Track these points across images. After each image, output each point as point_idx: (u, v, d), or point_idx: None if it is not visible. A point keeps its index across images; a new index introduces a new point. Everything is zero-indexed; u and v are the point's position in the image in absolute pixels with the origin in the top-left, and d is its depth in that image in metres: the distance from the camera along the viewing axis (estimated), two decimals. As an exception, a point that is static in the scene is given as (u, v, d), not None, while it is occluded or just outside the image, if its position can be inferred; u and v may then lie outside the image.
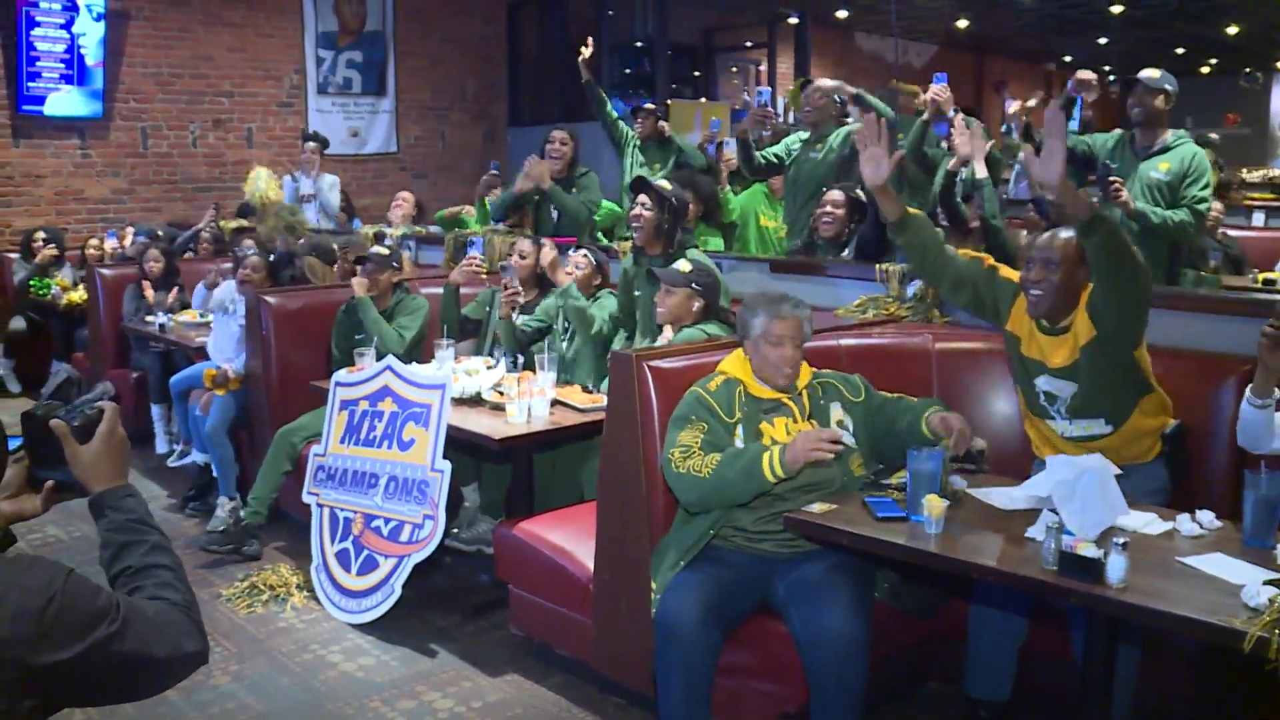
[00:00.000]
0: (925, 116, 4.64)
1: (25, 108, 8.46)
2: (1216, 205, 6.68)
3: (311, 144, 7.85)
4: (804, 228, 5.11)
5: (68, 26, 8.52)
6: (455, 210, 7.17)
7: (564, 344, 4.59)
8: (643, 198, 4.28)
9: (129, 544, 1.64)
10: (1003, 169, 5.33)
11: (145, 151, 9.29)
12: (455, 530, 4.52)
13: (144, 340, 6.35)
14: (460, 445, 4.11)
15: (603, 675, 3.44)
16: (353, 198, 8.47)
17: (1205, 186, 4.32)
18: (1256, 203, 8.49)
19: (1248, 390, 2.73)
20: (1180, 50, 17.45)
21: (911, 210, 3.25)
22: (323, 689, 3.60)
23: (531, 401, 3.95)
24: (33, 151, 8.69)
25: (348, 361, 4.69)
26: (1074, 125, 4.68)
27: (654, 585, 3.03)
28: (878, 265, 4.25)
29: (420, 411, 4.11)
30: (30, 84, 8.42)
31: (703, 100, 11.87)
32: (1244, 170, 10.52)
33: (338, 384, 4.45)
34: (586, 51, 6.16)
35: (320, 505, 4.37)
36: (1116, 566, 2.21)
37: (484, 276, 5.14)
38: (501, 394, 4.12)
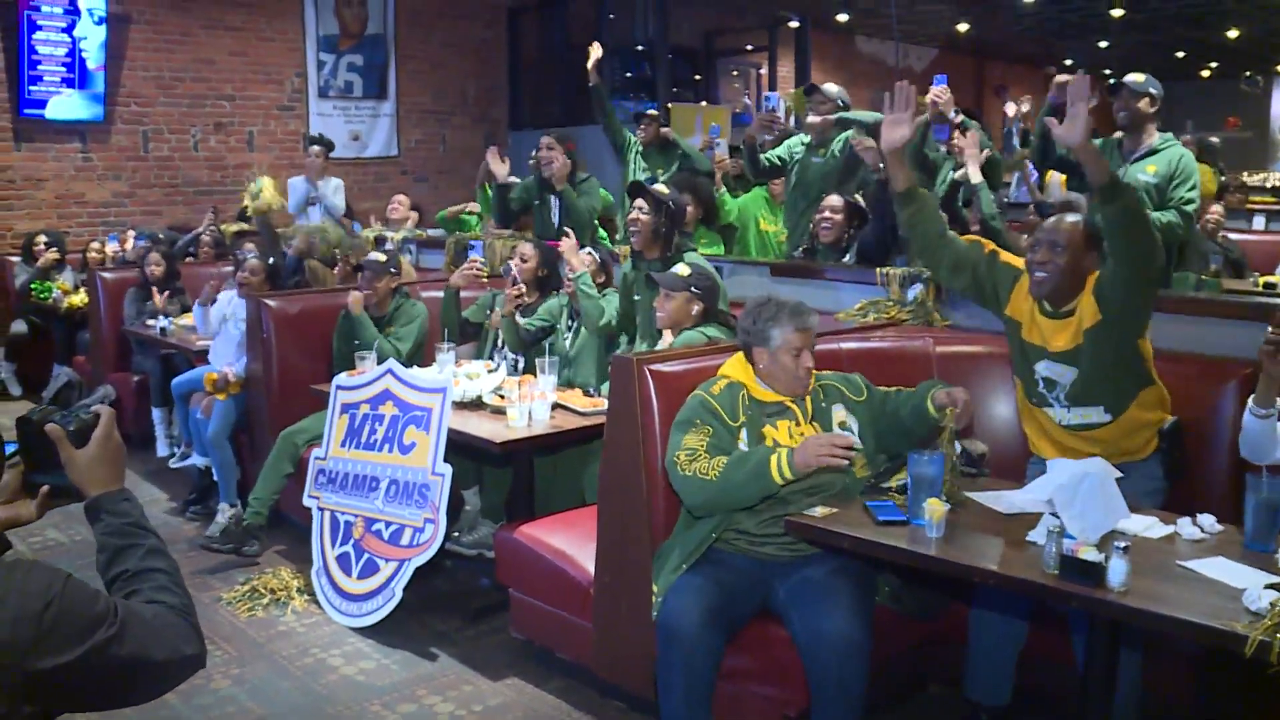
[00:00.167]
0: (926, 118, 4.65)
1: (27, 111, 8.48)
2: (1217, 208, 6.71)
3: (317, 147, 7.86)
4: (804, 233, 5.12)
5: (69, 30, 8.53)
6: (457, 209, 7.17)
7: (567, 341, 4.59)
8: (640, 202, 4.28)
9: (125, 548, 1.64)
10: (1003, 172, 5.33)
11: (146, 155, 9.31)
12: (456, 534, 4.52)
13: (145, 344, 6.35)
14: (461, 449, 4.11)
15: (603, 679, 3.44)
16: (353, 201, 8.47)
17: (1192, 188, 4.34)
18: (1257, 206, 8.50)
19: (1250, 400, 2.72)
20: (1181, 54, 17.48)
21: (920, 188, 3.25)
22: (323, 693, 3.60)
23: (532, 405, 3.95)
24: (34, 155, 8.70)
25: (348, 364, 4.69)
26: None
27: (655, 588, 3.03)
28: (878, 269, 4.25)
29: (421, 415, 4.11)
30: (32, 87, 8.44)
31: (703, 103, 11.87)
32: (1245, 174, 10.52)
33: (338, 387, 4.45)
34: (595, 54, 6.14)
35: (321, 509, 4.37)
36: (1117, 570, 2.21)
37: (484, 280, 5.14)
38: (502, 397, 4.13)
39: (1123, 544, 2.24)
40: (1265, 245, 7.23)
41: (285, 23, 10.03)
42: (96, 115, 8.86)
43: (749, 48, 14.90)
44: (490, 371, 4.43)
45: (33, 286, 7.81)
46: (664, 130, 6.33)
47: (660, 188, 4.36)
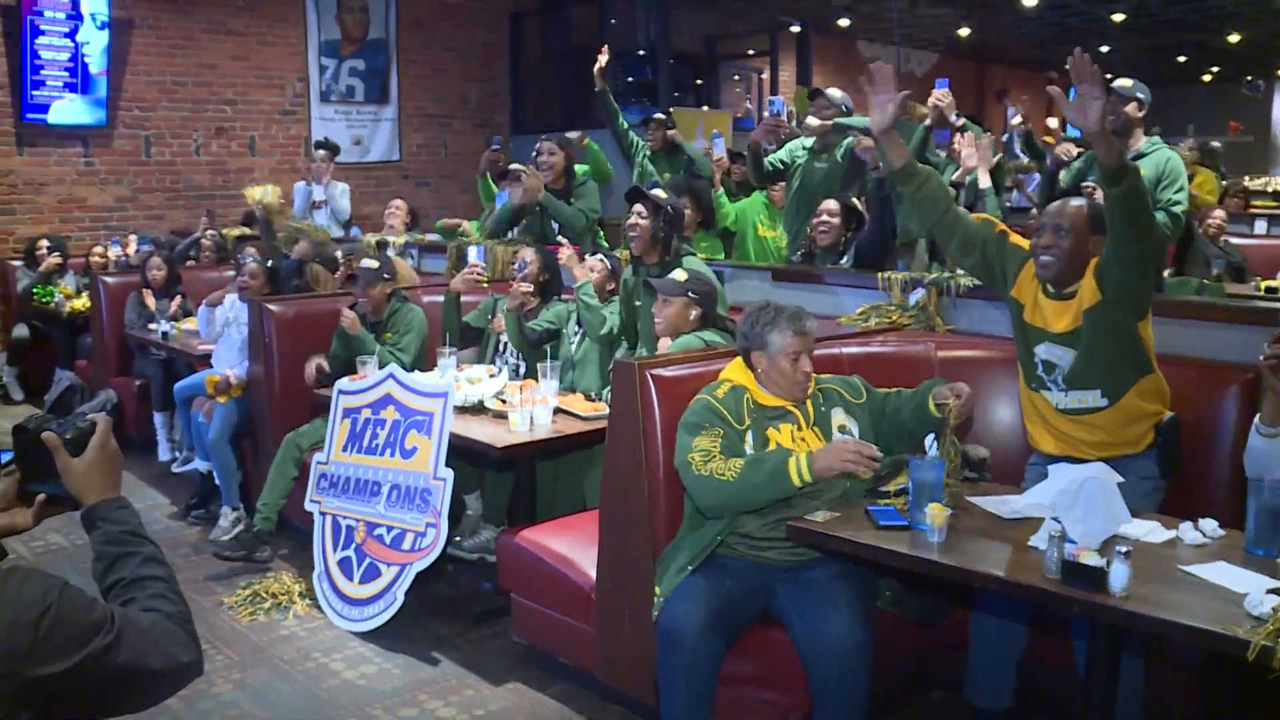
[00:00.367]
0: (928, 122, 4.65)
1: (29, 116, 8.49)
2: (1219, 213, 6.71)
3: (322, 151, 7.87)
4: (806, 237, 5.13)
5: (72, 35, 8.55)
6: (454, 223, 7.17)
7: (573, 346, 4.59)
8: (638, 207, 4.28)
9: (122, 556, 1.63)
10: (1006, 176, 5.34)
11: (148, 159, 9.32)
12: (457, 538, 4.52)
13: (146, 348, 6.35)
14: (462, 453, 4.11)
15: (605, 684, 3.43)
16: (355, 206, 8.47)
17: (1180, 189, 4.41)
18: (1259, 211, 8.50)
19: (1256, 419, 2.71)
20: (1182, 58, 17.48)
21: (919, 164, 3.23)
22: (325, 697, 3.60)
23: (534, 410, 3.95)
24: (36, 159, 8.71)
25: (346, 369, 4.70)
26: (1075, 132, 4.72)
27: (658, 590, 3.03)
28: (880, 274, 4.25)
29: (423, 419, 4.11)
30: (34, 92, 8.45)
31: (705, 108, 11.87)
32: (1246, 178, 10.52)
33: (340, 392, 4.46)
34: (602, 60, 6.13)
35: (323, 513, 4.37)
36: (1119, 575, 2.21)
37: (485, 285, 5.14)
38: (504, 402, 4.13)
39: (1124, 549, 2.23)
40: (1267, 249, 7.23)
41: (287, 27, 10.05)
42: (99, 120, 8.87)
43: (750, 52, 14.90)
44: (492, 376, 4.43)
45: (35, 291, 7.82)
46: (670, 132, 6.33)
47: (658, 192, 4.36)
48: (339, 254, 5.94)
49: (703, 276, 3.99)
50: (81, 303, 7.49)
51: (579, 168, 5.88)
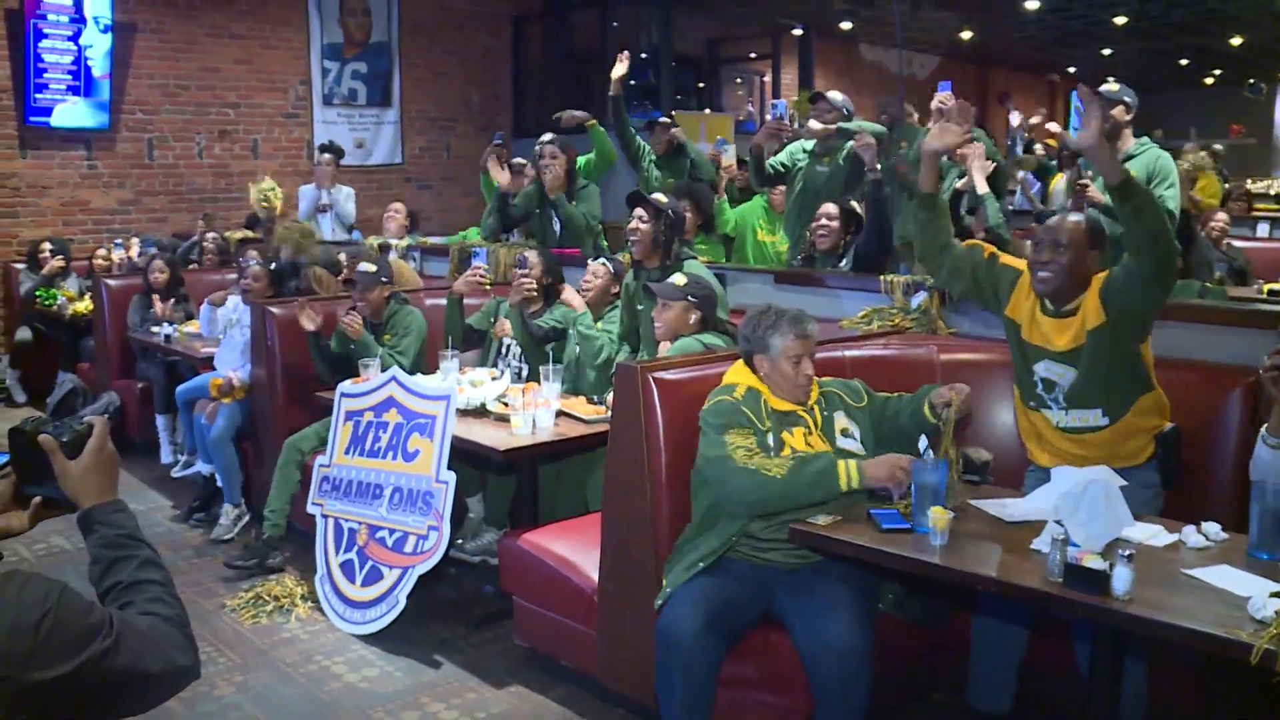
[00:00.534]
0: (931, 125, 4.65)
1: (32, 119, 8.50)
2: (1221, 216, 6.71)
3: (327, 155, 7.87)
4: (805, 241, 5.14)
5: (75, 39, 8.56)
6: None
7: (576, 348, 4.59)
8: (639, 211, 4.29)
9: (119, 559, 1.63)
10: (1008, 179, 5.34)
11: (151, 163, 9.33)
12: (460, 541, 4.52)
13: (149, 351, 6.36)
14: (465, 456, 4.11)
15: (607, 687, 3.43)
16: (358, 209, 8.48)
17: (1171, 186, 4.49)
18: (1261, 214, 8.49)
19: (1263, 430, 2.69)
20: (1184, 61, 17.48)
21: (941, 196, 3.32)
22: (327, 700, 3.60)
23: (536, 413, 3.95)
24: (39, 162, 8.72)
25: (347, 371, 4.70)
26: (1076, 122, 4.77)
27: (665, 582, 3.03)
28: (882, 277, 4.26)
29: (425, 422, 4.11)
30: (37, 95, 8.46)
31: (707, 111, 11.87)
32: (1249, 181, 10.51)
33: (343, 395, 4.46)
34: (622, 66, 6.11)
35: (325, 516, 4.37)
36: (1122, 578, 2.21)
37: (488, 287, 5.14)
38: (506, 405, 4.13)
39: (1127, 552, 2.23)
40: (1269, 252, 7.22)
41: (290, 31, 10.06)
42: (102, 123, 8.88)
43: (752, 55, 14.92)
44: (494, 379, 4.43)
45: (38, 293, 7.83)
46: (674, 130, 6.31)
47: (659, 196, 4.36)
48: (341, 256, 5.94)
49: (702, 280, 4.00)
50: (84, 305, 7.50)
51: (581, 159, 5.89)
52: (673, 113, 6.36)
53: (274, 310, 5.05)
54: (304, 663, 3.86)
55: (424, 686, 3.68)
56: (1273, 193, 10.33)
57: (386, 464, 4.19)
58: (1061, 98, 18.79)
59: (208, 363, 5.61)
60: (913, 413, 3.08)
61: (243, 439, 5.24)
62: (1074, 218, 3.04)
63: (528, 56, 11.83)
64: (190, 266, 7.30)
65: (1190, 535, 2.55)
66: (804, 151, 5.40)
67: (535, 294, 4.68)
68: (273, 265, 5.64)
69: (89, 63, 8.67)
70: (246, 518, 5.16)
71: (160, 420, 6.30)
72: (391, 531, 4.11)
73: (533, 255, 4.81)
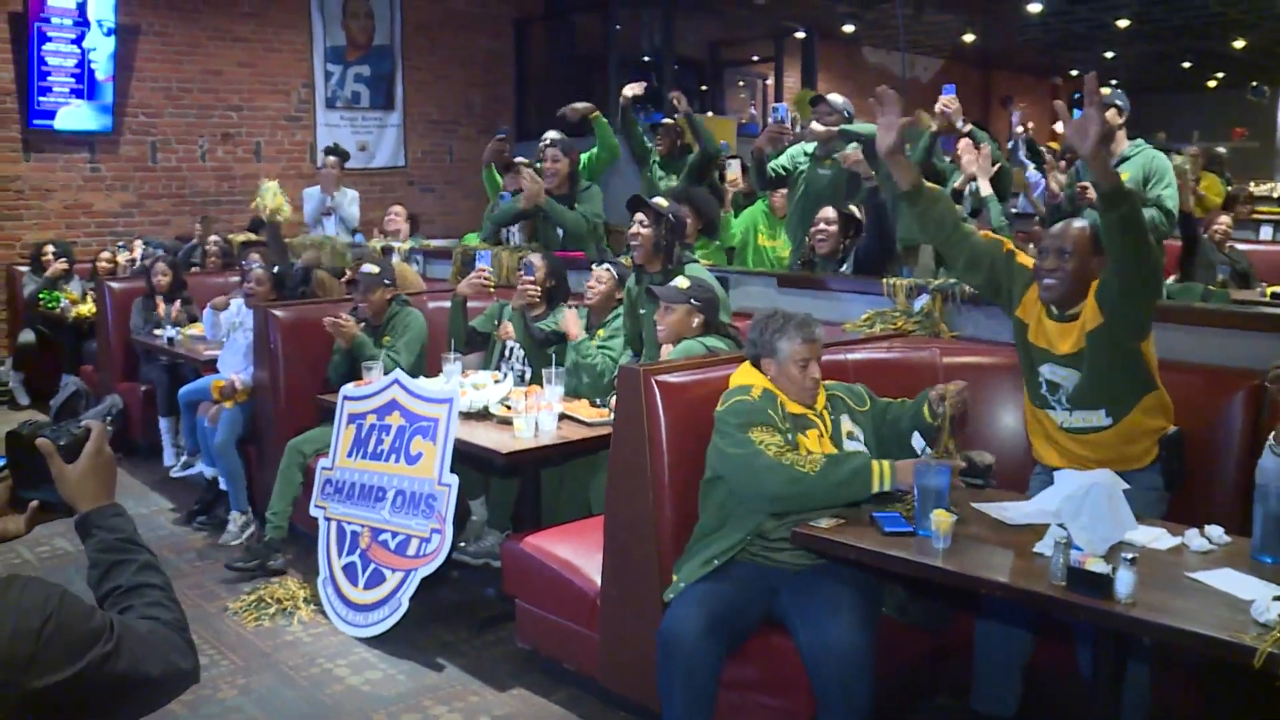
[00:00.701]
0: (934, 128, 4.65)
1: (36, 122, 8.52)
2: (1224, 219, 6.70)
3: (332, 158, 7.87)
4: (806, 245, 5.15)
5: (78, 41, 8.57)
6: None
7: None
8: (640, 215, 4.30)
9: (118, 563, 1.62)
10: (1012, 182, 5.34)
11: (154, 165, 9.35)
12: (462, 544, 4.52)
13: (152, 353, 6.37)
14: (467, 459, 4.11)
15: (609, 690, 3.43)
16: (361, 212, 8.48)
17: (1168, 185, 4.52)
18: (1264, 216, 8.49)
19: (1271, 437, 2.68)
20: (1187, 64, 17.48)
21: (928, 184, 3.26)
22: (329, 703, 3.60)
23: (539, 416, 3.95)
24: (43, 165, 8.74)
25: (349, 374, 4.70)
26: None
27: (675, 577, 3.04)
28: (884, 280, 4.26)
29: (428, 425, 4.12)
30: (41, 98, 8.48)
31: (709, 114, 11.88)
32: (1251, 184, 10.51)
33: (345, 398, 4.46)
34: (635, 91, 6.12)
35: (328, 519, 4.37)
36: (1125, 582, 2.20)
37: (492, 290, 5.14)
38: (509, 408, 4.12)
39: (1130, 555, 2.23)
40: (1272, 255, 7.21)
41: (292, 34, 10.08)
42: (105, 126, 8.90)
43: (755, 58, 14.93)
44: (497, 382, 4.43)
45: (41, 296, 7.85)
46: (681, 107, 6.23)
47: (659, 200, 4.37)
48: (346, 258, 5.95)
49: (705, 284, 4.00)
50: (87, 308, 7.51)
51: (584, 155, 5.89)
52: (675, 115, 6.34)
53: (277, 313, 5.05)
54: (306, 665, 3.86)
55: (426, 689, 3.68)
56: (1275, 195, 10.34)
57: (389, 467, 4.19)
58: (1064, 100, 18.78)
59: (211, 365, 5.61)
60: (913, 415, 3.10)
61: (245, 442, 5.24)
62: (1078, 224, 3.04)
63: (530, 59, 11.84)
64: (192, 269, 7.30)
65: (1193, 538, 2.54)
66: (805, 155, 5.40)
67: (539, 299, 4.68)
68: (275, 269, 5.64)
69: (92, 66, 8.68)
70: (254, 526, 5.16)
71: (163, 423, 6.30)
72: (394, 534, 4.11)
73: (538, 259, 4.81)
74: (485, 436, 4.00)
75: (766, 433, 2.93)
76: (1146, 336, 2.99)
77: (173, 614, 1.61)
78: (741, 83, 15.14)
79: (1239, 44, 15.11)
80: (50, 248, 8.04)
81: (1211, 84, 19.48)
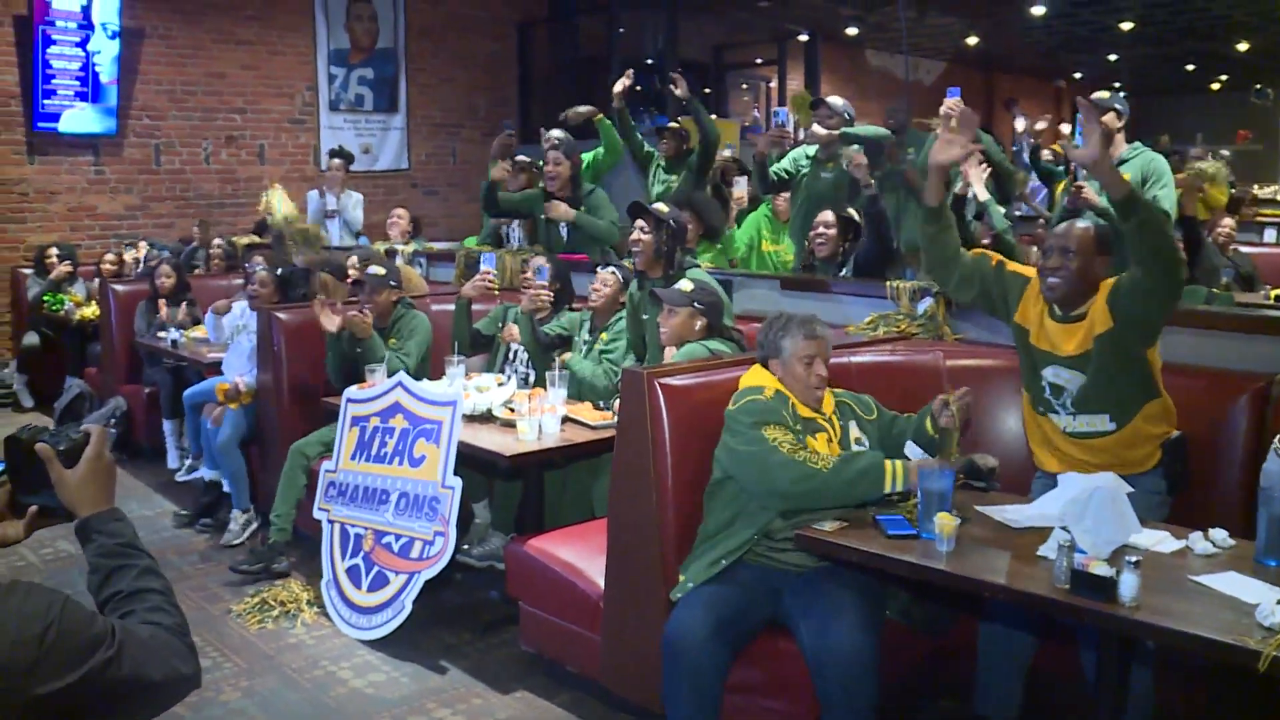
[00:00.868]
0: (939, 132, 4.65)
1: (40, 125, 8.53)
2: (1228, 222, 6.70)
3: (337, 160, 7.87)
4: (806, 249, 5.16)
5: (83, 45, 8.59)
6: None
7: (582, 353, 4.59)
8: (640, 222, 4.30)
9: (118, 569, 1.62)
10: (1015, 183, 5.34)
11: (158, 168, 9.36)
12: (466, 546, 4.52)
13: (156, 356, 6.37)
14: (471, 462, 4.11)
15: (612, 692, 3.43)
16: (365, 214, 8.49)
17: (1165, 186, 4.54)
18: (1268, 219, 8.47)
19: (1276, 440, 2.68)
20: (1190, 67, 17.44)
21: (948, 209, 3.32)
22: (332, 705, 3.60)
23: (542, 418, 3.95)
24: (47, 168, 8.75)
25: (351, 375, 4.71)
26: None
27: (682, 577, 3.04)
28: (888, 282, 4.26)
29: (431, 428, 4.12)
30: (45, 101, 8.49)
31: (713, 117, 11.89)
32: (1255, 187, 10.49)
33: (349, 400, 4.46)
34: (625, 83, 6.11)
35: (331, 521, 4.37)
36: (1129, 585, 2.20)
37: (496, 292, 5.14)
38: (512, 411, 4.13)
39: (1134, 559, 2.23)
40: (1276, 258, 7.20)
41: (296, 36, 10.09)
42: (109, 129, 8.91)
43: (758, 61, 14.92)
44: (501, 385, 4.44)
45: (45, 298, 7.86)
46: (681, 97, 6.22)
47: (660, 206, 4.37)
48: (352, 259, 5.94)
49: (708, 287, 4.01)
50: (91, 310, 7.52)
51: (586, 155, 5.89)
52: (679, 119, 6.34)
53: (280, 316, 5.06)
54: (310, 668, 3.86)
55: (430, 692, 3.68)
56: (1279, 198, 10.32)
57: (393, 469, 4.20)
58: (1068, 103, 18.77)
59: (215, 368, 5.62)
60: (916, 428, 3.12)
61: (249, 444, 5.25)
62: (1082, 224, 3.06)
63: (533, 62, 11.85)
64: (195, 271, 7.31)
65: (1197, 542, 2.54)
66: (807, 158, 5.40)
67: (549, 305, 4.69)
68: (279, 271, 5.65)
69: (97, 69, 8.70)
70: (255, 523, 5.17)
71: (167, 425, 6.31)
72: (398, 537, 4.11)
73: (541, 260, 4.82)
74: (489, 439, 4.00)
75: (779, 431, 2.94)
76: (1154, 343, 2.99)
77: (174, 619, 1.60)
78: (744, 85, 15.14)
79: (1243, 46, 15.09)
80: (54, 250, 8.05)
81: (1215, 86, 19.45)
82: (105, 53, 8.72)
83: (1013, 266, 3.23)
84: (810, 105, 5.54)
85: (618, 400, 3.49)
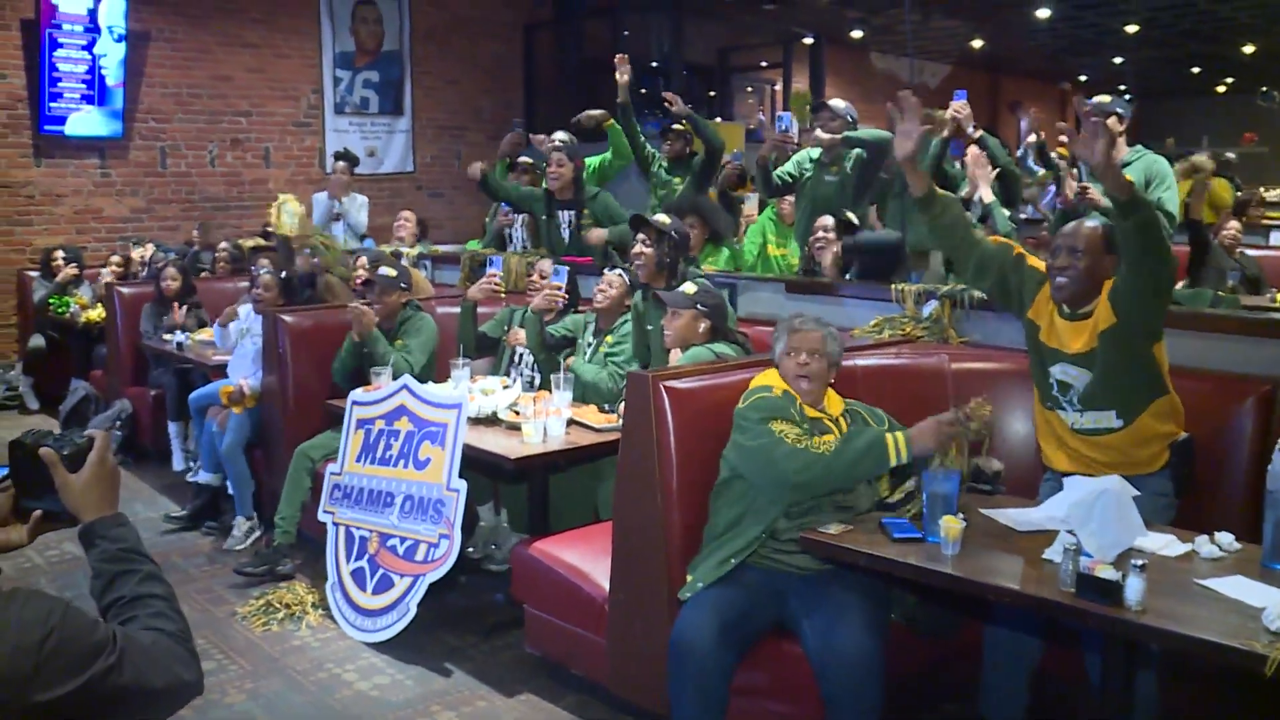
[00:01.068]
0: (945, 134, 4.65)
1: (47, 128, 8.55)
2: (1234, 224, 6.69)
3: (341, 163, 7.88)
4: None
5: (89, 48, 8.61)
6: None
7: (586, 357, 4.59)
8: (642, 235, 4.31)
9: (121, 574, 1.61)
10: (1020, 185, 5.33)
11: (164, 171, 9.38)
12: (470, 549, 4.52)
13: (162, 358, 6.38)
14: (476, 464, 4.12)
15: (617, 695, 3.43)
16: (370, 217, 8.49)
17: (1168, 188, 4.56)
18: (1274, 222, 8.46)
19: None
20: (1196, 69, 17.45)
21: (940, 191, 3.30)
22: (337, 708, 3.60)
23: (547, 421, 3.95)
24: (53, 171, 8.77)
25: (356, 377, 4.71)
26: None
27: (690, 576, 3.04)
28: (893, 285, 4.25)
29: (436, 431, 4.12)
30: (52, 104, 8.51)
31: (718, 120, 11.89)
32: (1261, 189, 10.47)
33: (354, 403, 4.47)
34: (624, 74, 6.12)
35: (336, 524, 4.37)
36: (1134, 588, 2.20)
37: (502, 295, 5.15)
38: (517, 413, 4.13)
39: (1140, 562, 2.23)
40: (1282, 261, 7.19)
41: (302, 40, 10.11)
42: (115, 131, 8.93)
43: (763, 64, 14.92)
44: (506, 387, 4.44)
45: (51, 301, 7.87)
46: (676, 111, 6.23)
47: (661, 218, 4.37)
48: (361, 260, 5.94)
49: (712, 289, 4.02)
50: (97, 313, 7.53)
51: (590, 160, 5.89)
52: (684, 121, 6.33)
53: (286, 318, 5.07)
54: (314, 670, 3.87)
55: (435, 694, 3.68)
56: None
57: (398, 472, 4.20)
58: (1072, 106, 18.76)
59: (220, 370, 5.62)
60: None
61: (253, 447, 5.25)
62: (1090, 223, 3.06)
63: (539, 65, 11.86)
64: (201, 274, 7.32)
65: (1203, 545, 2.54)
66: (810, 161, 5.40)
67: (563, 302, 4.70)
68: (284, 274, 5.66)
69: (103, 72, 8.72)
70: (259, 531, 5.17)
71: (173, 427, 6.31)
72: (403, 539, 4.11)
73: (546, 264, 4.83)
74: (494, 442, 4.00)
75: (786, 425, 2.97)
76: (1159, 339, 3.00)
77: (176, 625, 1.60)
78: (750, 89, 15.14)
79: (1248, 49, 15.09)
80: (60, 253, 8.07)
81: (1221, 89, 19.44)
82: (111, 56, 8.75)
83: (1032, 260, 3.23)
84: (813, 109, 5.54)
85: (623, 403, 3.49)
